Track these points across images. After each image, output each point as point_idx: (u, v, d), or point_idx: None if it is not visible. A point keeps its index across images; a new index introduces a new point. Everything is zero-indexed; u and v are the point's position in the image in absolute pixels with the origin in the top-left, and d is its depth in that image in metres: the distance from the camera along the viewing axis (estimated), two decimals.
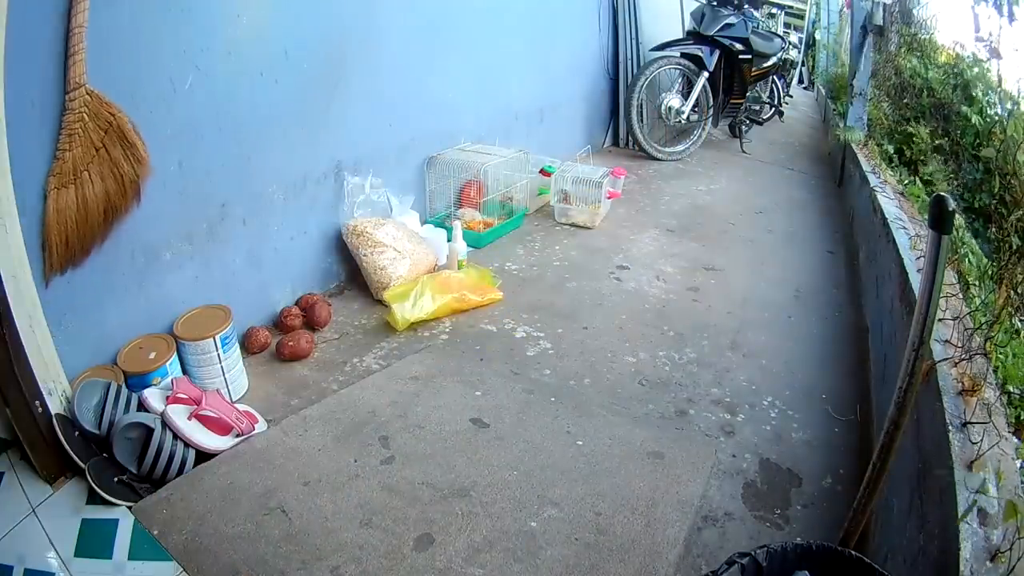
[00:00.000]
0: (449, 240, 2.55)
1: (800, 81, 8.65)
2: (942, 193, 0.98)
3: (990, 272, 1.62)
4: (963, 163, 2.76)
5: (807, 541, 1.01)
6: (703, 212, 3.50)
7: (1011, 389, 1.28)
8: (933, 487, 1.07)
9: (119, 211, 1.54)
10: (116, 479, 1.39)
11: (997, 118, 2.46)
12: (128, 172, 1.52)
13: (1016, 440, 1.07)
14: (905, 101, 3.44)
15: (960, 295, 1.56)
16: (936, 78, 3.25)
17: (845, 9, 6.38)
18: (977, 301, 1.51)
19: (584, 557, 1.31)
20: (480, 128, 3.12)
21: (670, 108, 4.28)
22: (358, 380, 1.86)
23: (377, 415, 1.70)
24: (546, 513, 1.41)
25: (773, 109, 5.44)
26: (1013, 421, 1.16)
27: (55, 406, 1.36)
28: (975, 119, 2.80)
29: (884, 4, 3.70)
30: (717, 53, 4.20)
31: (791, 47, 5.82)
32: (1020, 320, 1.45)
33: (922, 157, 2.91)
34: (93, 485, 1.32)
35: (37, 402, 1.31)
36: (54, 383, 1.37)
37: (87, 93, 1.41)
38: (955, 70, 3.26)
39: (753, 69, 4.45)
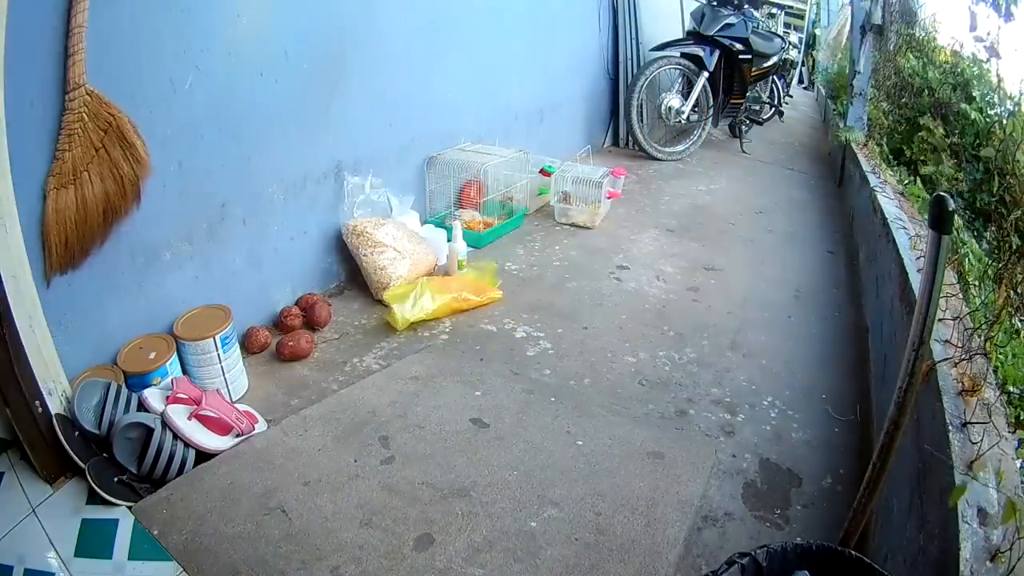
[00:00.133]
0: (449, 240, 2.55)
1: (800, 81, 8.64)
2: (942, 193, 0.98)
3: (990, 272, 1.62)
4: (963, 162, 2.75)
5: (807, 541, 1.01)
6: (703, 212, 3.50)
7: (1011, 389, 1.28)
8: (933, 487, 1.07)
9: (119, 211, 1.54)
10: (116, 479, 1.39)
11: (997, 117, 2.46)
12: (128, 172, 1.52)
13: (1016, 441, 1.07)
14: (904, 100, 3.43)
15: (960, 295, 1.56)
16: (935, 78, 3.24)
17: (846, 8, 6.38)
18: (977, 301, 1.51)
19: (584, 557, 1.31)
20: (480, 128, 3.12)
21: (670, 108, 4.27)
22: (358, 380, 1.87)
23: (377, 415, 1.70)
24: (546, 513, 1.41)
25: (773, 109, 5.44)
26: (1013, 421, 1.16)
27: (55, 406, 1.36)
28: (975, 116, 2.79)
29: (884, 3, 3.70)
30: (717, 53, 4.20)
31: (791, 47, 5.82)
32: (1020, 320, 1.45)
33: (929, 156, 2.89)
34: (93, 485, 1.32)
35: (37, 402, 1.31)
36: (54, 383, 1.37)
37: (87, 93, 1.40)
38: (955, 70, 3.26)
39: (753, 69, 4.45)
